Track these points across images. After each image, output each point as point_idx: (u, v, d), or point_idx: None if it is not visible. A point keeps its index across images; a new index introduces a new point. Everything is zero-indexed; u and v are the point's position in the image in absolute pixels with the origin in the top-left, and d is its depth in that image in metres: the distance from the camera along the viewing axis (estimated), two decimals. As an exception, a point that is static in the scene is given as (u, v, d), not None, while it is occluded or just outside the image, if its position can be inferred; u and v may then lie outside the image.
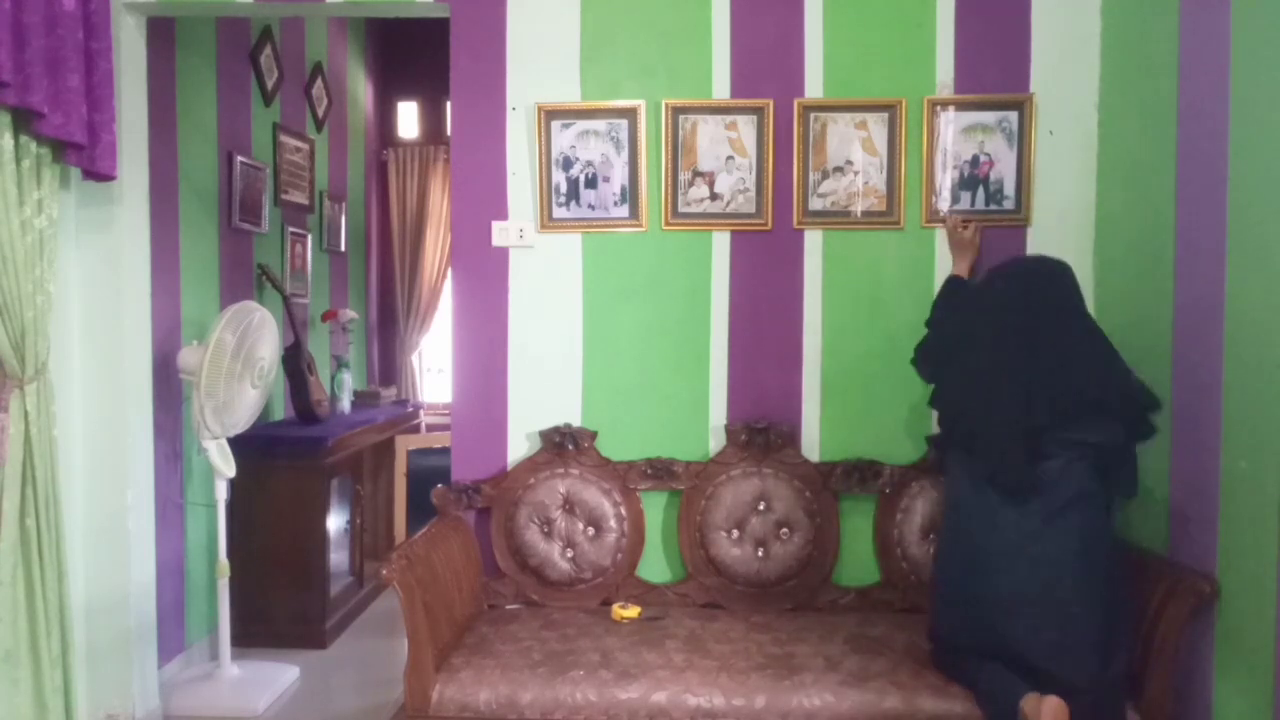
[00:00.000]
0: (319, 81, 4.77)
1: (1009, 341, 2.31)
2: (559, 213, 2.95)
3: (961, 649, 2.28)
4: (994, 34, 2.88)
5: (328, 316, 4.76)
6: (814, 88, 2.91)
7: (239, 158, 3.86)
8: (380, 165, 5.88)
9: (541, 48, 2.94)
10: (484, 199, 2.98)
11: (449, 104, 3.84)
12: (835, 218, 2.92)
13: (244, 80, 3.98)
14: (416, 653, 2.29)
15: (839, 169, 2.91)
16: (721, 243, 2.95)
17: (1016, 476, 2.23)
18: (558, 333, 2.98)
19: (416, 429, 5.37)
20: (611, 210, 2.95)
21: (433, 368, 6.12)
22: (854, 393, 2.92)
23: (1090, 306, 2.77)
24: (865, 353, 2.92)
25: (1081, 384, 2.23)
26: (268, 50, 4.12)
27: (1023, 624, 2.18)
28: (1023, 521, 2.22)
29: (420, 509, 4.61)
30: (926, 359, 2.65)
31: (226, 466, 3.27)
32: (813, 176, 2.91)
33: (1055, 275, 2.39)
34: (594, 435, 2.92)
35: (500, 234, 2.97)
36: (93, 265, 2.88)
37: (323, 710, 3.25)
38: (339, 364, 4.57)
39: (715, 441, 2.95)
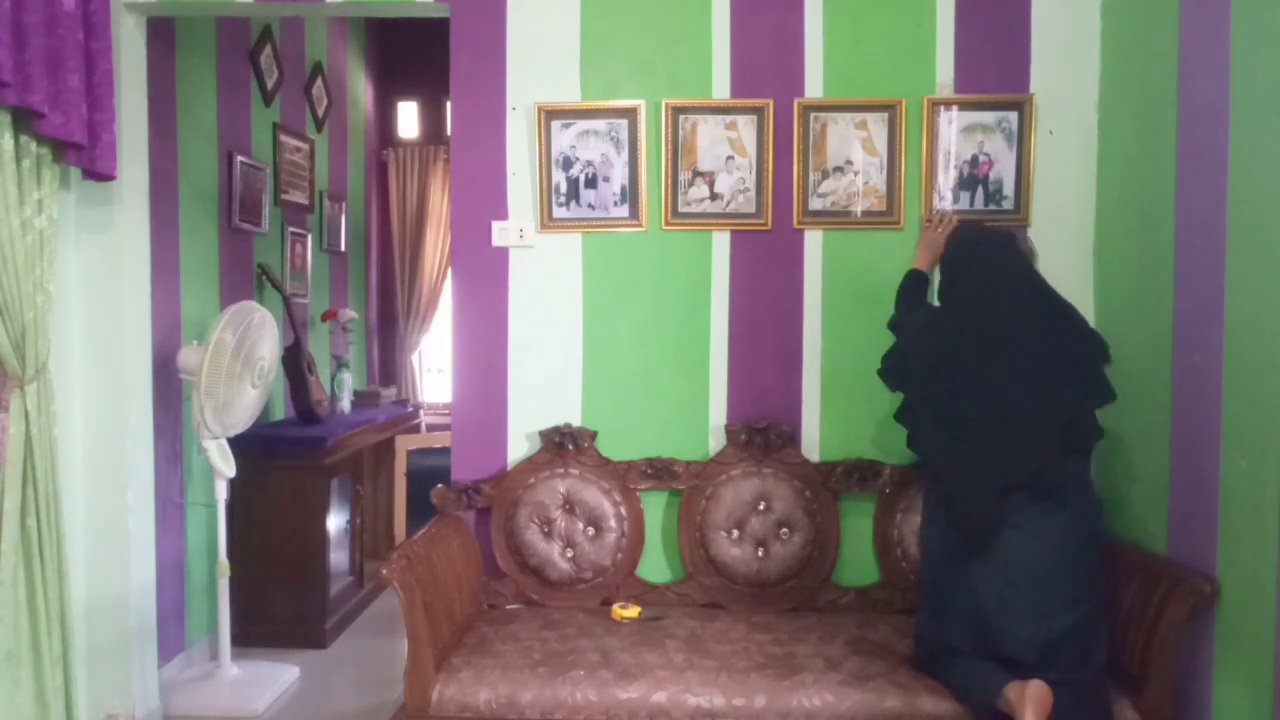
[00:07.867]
0: (319, 81, 4.77)
1: (987, 371, 2.27)
2: (559, 213, 2.95)
3: (945, 647, 2.27)
4: (994, 34, 2.88)
5: (328, 316, 4.76)
6: (814, 88, 2.91)
7: (239, 158, 3.86)
8: (380, 165, 5.88)
9: (541, 48, 2.94)
10: (484, 199, 2.98)
11: (449, 104, 3.84)
12: (835, 218, 2.92)
13: (244, 80, 3.98)
14: (416, 653, 2.29)
15: (839, 169, 2.91)
16: (721, 243, 2.95)
17: (984, 532, 2.23)
18: (557, 333, 2.98)
19: (416, 429, 5.37)
20: (611, 210, 2.95)
21: (433, 368, 6.12)
22: (854, 393, 2.92)
23: (1090, 307, 2.78)
24: (865, 353, 2.90)
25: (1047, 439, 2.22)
26: (268, 50, 4.12)
27: (1005, 618, 2.18)
28: (1006, 516, 2.23)
29: (420, 509, 4.61)
30: (893, 371, 2.54)
31: (226, 466, 3.27)
32: (813, 176, 2.91)
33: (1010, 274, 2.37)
34: (594, 435, 2.92)
35: (500, 234, 2.97)
36: (93, 265, 2.88)
37: (323, 710, 3.24)
38: (339, 364, 4.56)
39: (715, 441, 2.95)
